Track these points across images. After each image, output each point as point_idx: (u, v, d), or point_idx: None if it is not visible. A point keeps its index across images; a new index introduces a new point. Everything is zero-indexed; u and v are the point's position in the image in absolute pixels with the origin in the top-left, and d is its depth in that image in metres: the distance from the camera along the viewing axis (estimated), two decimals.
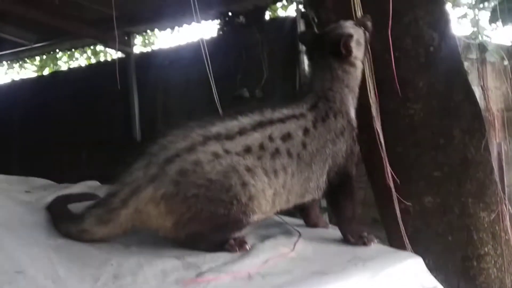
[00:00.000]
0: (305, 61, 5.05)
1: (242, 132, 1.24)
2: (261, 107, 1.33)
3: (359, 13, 1.88)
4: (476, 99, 2.16)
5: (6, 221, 1.12)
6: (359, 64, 1.52)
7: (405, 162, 2.15)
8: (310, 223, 1.51)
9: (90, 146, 6.40)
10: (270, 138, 1.26)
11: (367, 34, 1.59)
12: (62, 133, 6.55)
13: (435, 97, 2.06)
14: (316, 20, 4.82)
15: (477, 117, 2.14)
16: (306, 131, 1.31)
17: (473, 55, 5.82)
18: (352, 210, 1.38)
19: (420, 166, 2.13)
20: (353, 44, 1.45)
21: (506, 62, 5.71)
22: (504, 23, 3.23)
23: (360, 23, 1.59)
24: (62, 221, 1.22)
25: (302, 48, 5.07)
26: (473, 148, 2.10)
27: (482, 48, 5.82)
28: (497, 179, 2.26)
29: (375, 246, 1.29)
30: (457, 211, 2.12)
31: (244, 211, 1.18)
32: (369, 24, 1.64)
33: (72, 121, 6.47)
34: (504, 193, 2.42)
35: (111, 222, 1.17)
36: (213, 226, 1.17)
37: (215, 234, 1.18)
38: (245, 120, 1.27)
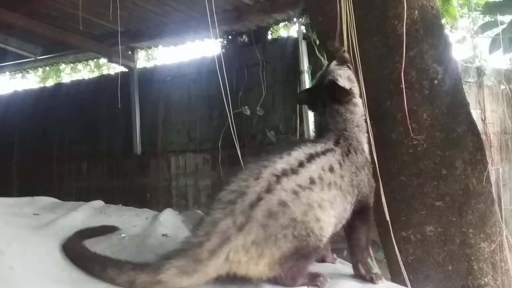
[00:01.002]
0: (306, 81, 5.11)
1: (301, 164, 1.29)
2: (300, 142, 1.39)
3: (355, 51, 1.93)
4: (478, 130, 2.21)
5: (24, 254, 1.13)
6: (359, 101, 1.56)
7: (407, 191, 2.19)
8: (318, 257, 1.54)
9: (90, 158, 6.42)
10: (323, 170, 1.31)
11: (351, 67, 1.64)
12: (63, 144, 6.58)
13: (439, 128, 2.11)
14: (318, 42, 4.90)
15: (479, 149, 2.18)
16: (340, 164, 1.37)
17: (471, 79, 5.92)
18: (366, 240, 1.41)
19: (422, 195, 2.17)
20: (345, 83, 1.49)
21: (503, 86, 5.79)
22: (505, 51, 3.30)
23: (341, 60, 1.63)
24: (121, 268, 1.15)
25: (304, 67, 5.14)
26: (474, 179, 2.14)
27: (480, 71, 5.91)
28: (497, 209, 2.30)
29: (383, 284, 1.32)
30: (458, 241, 2.15)
31: (319, 239, 1.25)
32: (346, 56, 1.69)
33: (73, 132, 6.50)
34: (501, 217, 2.45)
35: (196, 273, 1.15)
36: (298, 258, 1.22)
37: (302, 265, 1.25)
38: (298, 154, 1.32)
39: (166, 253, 1.19)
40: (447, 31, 5.38)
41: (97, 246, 1.37)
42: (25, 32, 5.47)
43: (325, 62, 4.79)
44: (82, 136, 6.44)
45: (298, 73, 5.17)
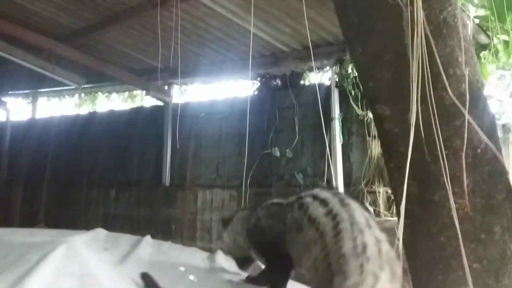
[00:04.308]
0: (336, 128, 5.27)
1: None
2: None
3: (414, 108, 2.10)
4: None
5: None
6: None
7: (446, 252, 2.28)
8: None
9: (119, 186, 6.60)
10: None
11: None
12: (94, 170, 6.79)
13: (479, 194, 2.22)
14: (352, 93, 5.10)
15: None
16: None
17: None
18: None
19: (460, 257, 2.26)
20: None
21: None
22: None
23: None
24: None
25: (335, 114, 5.31)
26: None
27: (506, 129, 6.02)
28: None
29: None
30: None
31: None
32: None
33: (104, 160, 6.72)
34: None
35: None
36: None
37: None
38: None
39: None
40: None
41: None
42: (71, 63, 5.78)
43: (360, 112, 4.94)
44: (113, 164, 6.65)
45: (328, 119, 5.34)
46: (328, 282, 1.30)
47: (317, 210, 1.46)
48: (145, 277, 1.48)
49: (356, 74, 5.23)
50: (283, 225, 1.56)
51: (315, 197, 1.53)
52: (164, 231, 5.97)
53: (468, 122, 2.23)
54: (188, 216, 6.02)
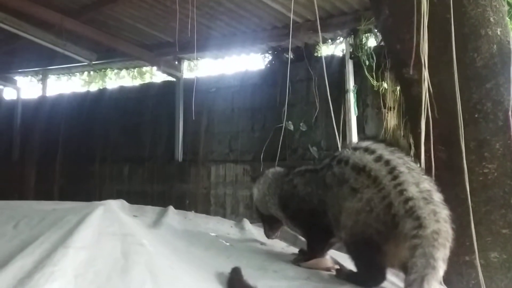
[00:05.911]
0: (351, 100, 5.20)
1: None
2: None
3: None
4: None
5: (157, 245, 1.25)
6: None
7: (475, 217, 2.24)
8: None
9: (132, 162, 6.60)
10: None
11: None
12: (106, 147, 6.79)
13: (510, 158, 2.18)
14: (367, 63, 5.00)
15: None
16: None
17: None
18: None
19: (489, 222, 2.23)
20: None
21: None
22: None
23: None
24: None
25: (350, 86, 5.23)
26: None
27: None
28: None
29: None
30: None
31: None
32: None
33: (116, 137, 6.71)
34: None
35: None
36: None
37: None
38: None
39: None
40: None
41: (207, 252, 1.49)
42: (80, 38, 5.71)
43: (375, 83, 4.85)
44: (125, 141, 6.64)
45: (342, 91, 5.26)
46: (390, 222, 1.29)
47: (364, 158, 1.43)
48: (234, 272, 1.31)
49: (370, 45, 5.15)
50: (323, 189, 1.54)
51: (355, 148, 1.51)
52: (178, 206, 5.95)
53: (499, 85, 2.17)
54: (202, 191, 6.03)
